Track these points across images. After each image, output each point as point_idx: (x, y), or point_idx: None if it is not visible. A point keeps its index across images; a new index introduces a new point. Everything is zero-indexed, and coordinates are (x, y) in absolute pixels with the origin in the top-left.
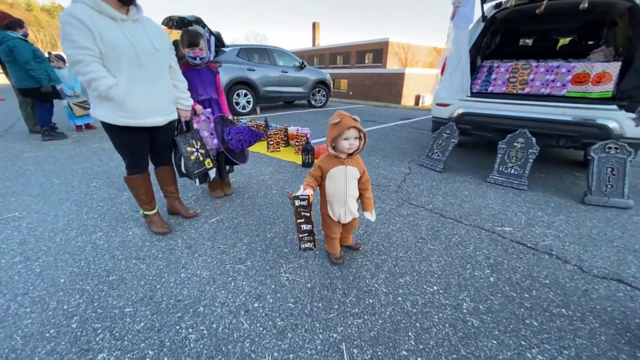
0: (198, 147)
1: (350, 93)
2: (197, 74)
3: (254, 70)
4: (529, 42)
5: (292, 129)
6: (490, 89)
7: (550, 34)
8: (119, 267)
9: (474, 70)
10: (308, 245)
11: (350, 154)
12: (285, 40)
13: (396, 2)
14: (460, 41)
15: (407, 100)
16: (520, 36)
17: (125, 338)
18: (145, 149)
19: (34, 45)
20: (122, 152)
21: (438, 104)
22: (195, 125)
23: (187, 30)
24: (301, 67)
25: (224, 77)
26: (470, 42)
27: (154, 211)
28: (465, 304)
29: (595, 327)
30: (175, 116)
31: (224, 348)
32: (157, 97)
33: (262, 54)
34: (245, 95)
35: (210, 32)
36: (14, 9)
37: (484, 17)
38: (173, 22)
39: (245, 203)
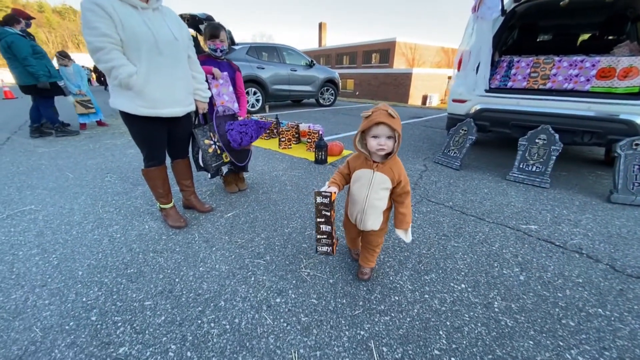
0: (216, 140)
1: (357, 93)
2: (216, 65)
3: (263, 68)
4: (548, 37)
5: (303, 126)
6: (510, 84)
7: (570, 29)
8: (137, 260)
9: (493, 65)
10: (325, 249)
11: (386, 157)
12: (292, 40)
13: (403, 2)
14: (484, 33)
15: (414, 100)
16: (539, 31)
17: (147, 332)
18: (164, 141)
19: (33, 40)
20: (140, 143)
21: (455, 100)
22: (214, 90)
23: (210, 22)
24: (310, 65)
25: None
26: (492, 34)
27: (170, 205)
28: (496, 303)
29: (636, 328)
30: (193, 107)
31: (248, 343)
32: (176, 86)
33: (271, 52)
34: (255, 93)
35: None
36: (27, 11)
37: (503, 10)
38: (184, 20)
39: (260, 198)
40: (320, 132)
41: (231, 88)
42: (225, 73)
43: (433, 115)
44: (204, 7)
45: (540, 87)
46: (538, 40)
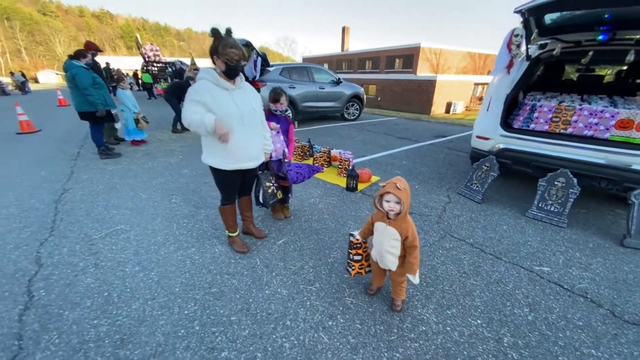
0: (274, 182)
1: (379, 99)
2: (275, 120)
3: (294, 87)
4: (574, 76)
5: (335, 152)
6: (532, 126)
7: (595, 68)
8: (216, 281)
9: (516, 105)
10: (349, 269)
11: (397, 215)
12: (314, 44)
13: (428, 6)
14: (506, 84)
15: (438, 107)
16: (564, 71)
17: (238, 341)
18: (238, 185)
19: (99, 71)
20: (222, 188)
21: (478, 137)
22: None
23: (274, 89)
24: (337, 82)
25: (267, 94)
26: (514, 80)
27: (236, 233)
28: (505, 339)
29: None
30: (263, 159)
31: (312, 357)
32: (254, 146)
33: (301, 71)
34: (286, 110)
35: (257, 54)
36: (69, 15)
37: (528, 56)
38: None
39: (303, 226)
40: (351, 160)
41: (282, 137)
42: (278, 125)
43: (457, 133)
44: (231, 13)
45: (562, 131)
46: (564, 79)
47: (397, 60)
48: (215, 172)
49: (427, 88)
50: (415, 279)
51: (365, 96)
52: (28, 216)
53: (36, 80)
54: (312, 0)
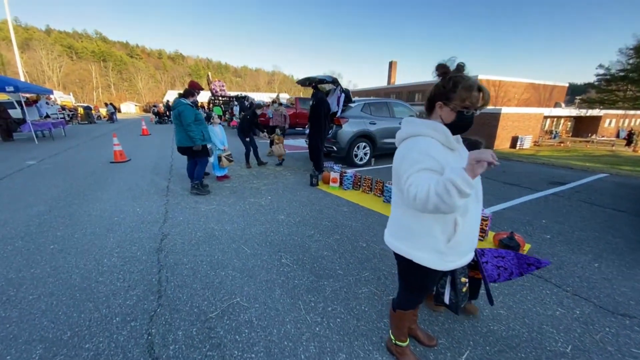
0: (467, 278)
1: None
2: None
3: (375, 123)
4: None
5: None
6: None
7: None
8: None
9: None
10: None
11: None
12: (361, 77)
13: (478, 41)
14: None
15: (502, 142)
16: None
17: None
18: None
19: (197, 110)
20: (420, 290)
21: None
22: None
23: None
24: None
25: (349, 129)
26: None
27: (407, 343)
28: None
29: None
30: None
31: None
32: (477, 230)
33: (381, 107)
34: (364, 147)
35: (342, 90)
36: (150, 57)
37: None
38: (311, 82)
39: (479, 328)
40: (490, 219)
41: None
42: None
43: (575, 179)
44: (279, 50)
45: None
46: None
47: None
48: (421, 270)
49: (489, 121)
50: None
51: None
52: (131, 271)
53: (119, 110)
54: (358, 38)
